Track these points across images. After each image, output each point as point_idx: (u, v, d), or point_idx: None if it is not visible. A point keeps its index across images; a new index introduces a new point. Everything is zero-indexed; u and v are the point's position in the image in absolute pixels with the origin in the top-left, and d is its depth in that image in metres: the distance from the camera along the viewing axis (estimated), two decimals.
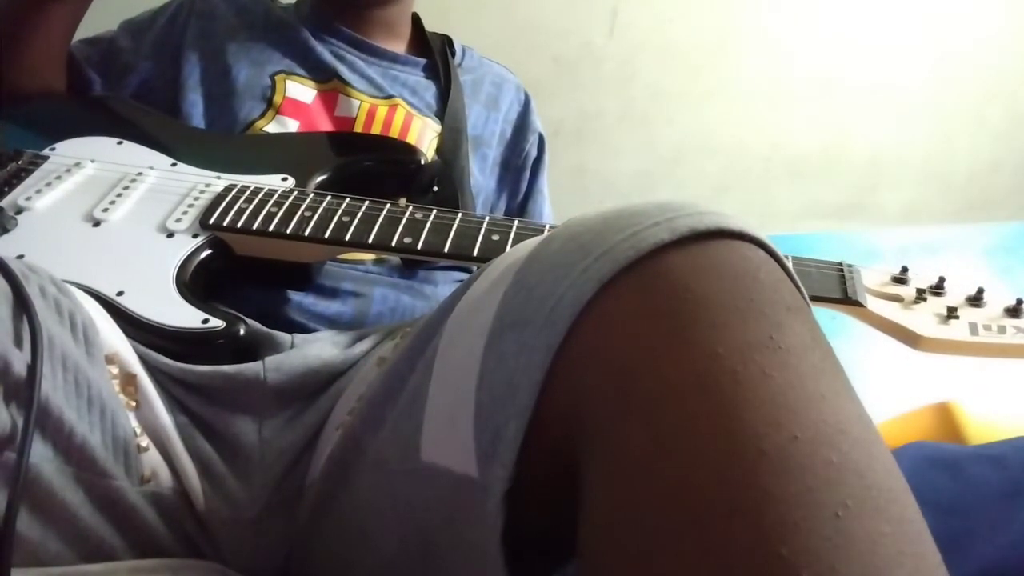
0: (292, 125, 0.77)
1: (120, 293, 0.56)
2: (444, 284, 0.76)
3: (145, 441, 0.48)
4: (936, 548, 0.27)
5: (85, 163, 0.69)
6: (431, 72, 0.87)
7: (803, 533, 0.24)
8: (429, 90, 0.85)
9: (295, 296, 0.65)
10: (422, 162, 0.73)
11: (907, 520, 0.26)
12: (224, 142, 0.75)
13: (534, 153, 0.91)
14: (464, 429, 0.35)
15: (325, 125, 0.78)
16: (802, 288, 0.33)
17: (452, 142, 0.82)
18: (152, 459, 0.48)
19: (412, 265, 0.74)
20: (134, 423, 0.48)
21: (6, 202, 0.63)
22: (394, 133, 0.79)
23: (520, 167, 0.90)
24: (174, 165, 0.70)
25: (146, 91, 0.81)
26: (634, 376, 0.29)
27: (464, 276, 0.77)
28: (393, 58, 0.85)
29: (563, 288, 0.32)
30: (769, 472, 0.26)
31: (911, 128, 1.71)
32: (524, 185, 0.90)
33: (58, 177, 0.66)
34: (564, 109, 1.55)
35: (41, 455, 0.40)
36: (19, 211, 0.63)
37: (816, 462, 0.26)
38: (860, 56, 1.62)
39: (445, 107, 0.83)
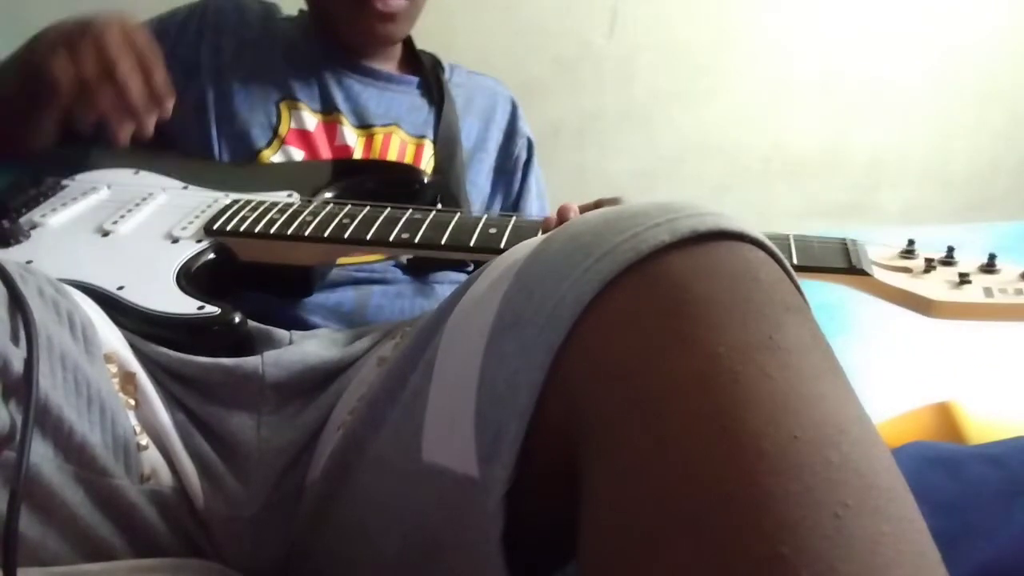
0: (297, 155, 0.78)
1: (121, 287, 0.57)
2: (445, 284, 0.76)
3: (145, 439, 0.48)
4: (936, 547, 0.27)
5: (101, 187, 0.71)
6: (424, 88, 0.88)
7: (803, 532, 0.24)
8: (424, 107, 0.87)
9: None
10: (425, 180, 0.76)
11: (907, 520, 0.26)
12: (235, 170, 0.77)
13: (524, 156, 0.94)
14: (465, 429, 0.35)
15: (326, 153, 0.79)
16: (802, 289, 0.33)
17: (447, 152, 0.84)
18: (152, 457, 0.48)
19: (414, 271, 0.75)
20: (133, 421, 0.48)
21: (22, 221, 0.65)
22: (391, 158, 0.81)
23: (512, 170, 0.92)
24: (185, 188, 0.72)
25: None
26: (635, 376, 0.29)
27: (465, 278, 0.77)
28: (388, 78, 0.86)
29: (564, 288, 0.32)
30: (769, 472, 0.26)
31: (911, 128, 1.70)
32: (516, 186, 0.93)
33: (74, 199, 0.68)
34: (564, 109, 1.55)
35: (41, 454, 0.41)
36: (33, 227, 0.64)
37: (816, 462, 0.26)
38: (860, 56, 1.61)
39: (439, 121, 0.85)
